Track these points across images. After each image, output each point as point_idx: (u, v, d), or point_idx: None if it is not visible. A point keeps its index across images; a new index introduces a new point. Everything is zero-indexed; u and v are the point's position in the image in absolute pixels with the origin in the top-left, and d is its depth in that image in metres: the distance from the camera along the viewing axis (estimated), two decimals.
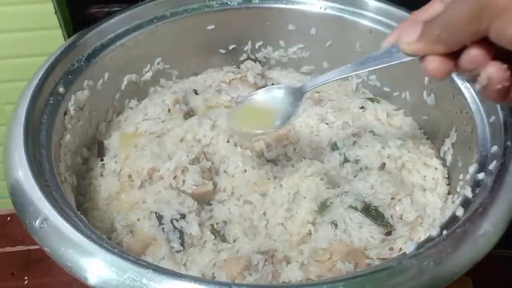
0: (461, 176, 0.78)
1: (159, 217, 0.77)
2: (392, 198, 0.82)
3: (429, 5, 0.60)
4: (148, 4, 0.99)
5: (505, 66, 0.54)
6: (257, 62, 1.09)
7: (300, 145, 0.90)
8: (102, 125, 0.95)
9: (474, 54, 0.54)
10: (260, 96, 0.77)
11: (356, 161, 0.87)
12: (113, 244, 0.64)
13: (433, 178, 0.85)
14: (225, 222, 0.81)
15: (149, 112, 0.96)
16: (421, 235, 0.78)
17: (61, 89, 0.83)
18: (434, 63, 0.56)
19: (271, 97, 0.77)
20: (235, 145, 0.89)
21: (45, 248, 0.61)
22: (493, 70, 0.54)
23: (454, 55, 0.55)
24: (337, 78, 0.69)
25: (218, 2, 1.03)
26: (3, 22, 0.96)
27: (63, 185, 0.73)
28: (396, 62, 0.61)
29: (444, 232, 0.64)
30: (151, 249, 0.75)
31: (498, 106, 0.77)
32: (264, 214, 0.82)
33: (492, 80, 0.54)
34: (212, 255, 0.75)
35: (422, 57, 0.57)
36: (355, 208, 0.79)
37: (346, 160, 0.88)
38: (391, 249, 0.77)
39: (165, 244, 0.75)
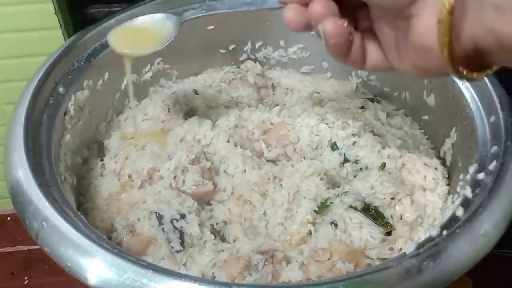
0: (461, 176, 0.78)
1: (159, 217, 0.77)
2: (392, 198, 0.82)
3: None
4: (148, 4, 0.98)
5: (342, 21, 0.58)
6: (257, 62, 1.09)
7: (300, 145, 0.90)
8: (102, 125, 0.95)
9: (315, 8, 0.58)
10: (141, 20, 0.81)
11: (356, 161, 0.87)
12: (113, 244, 0.64)
13: (433, 178, 0.85)
14: (225, 222, 0.81)
15: (149, 112, 0.96)
16: (421, 235, 0.78)
17: (61, 89, 0.83)
18: (290, 12, 0.60)
19: (152, 21, 0.81)
20: (235, 145, 0.89)
21: (45, 248, 0.61)
22: (329, 25, 0.58)
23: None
24: (211, 13, 0.77)
25: (218, 2, 1.02)
26: (3, 22, 0.96)
27: (63, 185, 0.73)
28: (267, 7, 0.67)
29: (444, 232, 0.64)
30: (151, 249, 0.75)
31: (498, 106, 0.77)
32: (264, 214, 0.82)
33: (326, 35, 0.58)
34: (212, 255, 0.75)
35: None
36: (355, 208, 0.79)
37: (346, 160, 0.88)
38: (391, 249, 0.77)
39: (165, 244, 0.75)
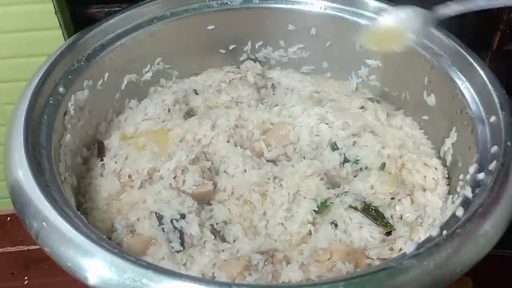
0: (461, 176, 0.78)
1: (159, 217, 0.77)
2: (392, 198, 0.82)
3: None
4: (148, 4, 0.99)
5: None
6: (257, 62, 1.09)
7: (300, 145, 0.90)
8: (102, 125, 0.95)
9: None
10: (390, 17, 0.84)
11: (356, 161, 0.87)
12: (113, 244, 0.64)
13: (433, 178, 0.85)
14: (225, 222, 0.81)
15: (149, 112, 0.96)
16: (421, 235, 0.78)
17: (61, 89, 0.83)
18: None
19: (400, 18, 0.83)
20: (235, 145, 0.89)
21: (45, 248, 0.61)
22: None
23: None
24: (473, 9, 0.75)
25: (218, 2, 1.03)
26: (3, 22, 0.96)
27: (63, 185, 0.73)
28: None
29: (444, 232, 0.64)
30: (151, 249, 0.75)
31: (498, 106, 0.77)
32: (264, 214, 0.82)
33: None
34: (212, 255, 0.75)
35: None
36: (355, 208, 0.79)
37: (346, 160, 0.88)
38: (391, 249, 0.77)
39: (165, 244, 0.75)
